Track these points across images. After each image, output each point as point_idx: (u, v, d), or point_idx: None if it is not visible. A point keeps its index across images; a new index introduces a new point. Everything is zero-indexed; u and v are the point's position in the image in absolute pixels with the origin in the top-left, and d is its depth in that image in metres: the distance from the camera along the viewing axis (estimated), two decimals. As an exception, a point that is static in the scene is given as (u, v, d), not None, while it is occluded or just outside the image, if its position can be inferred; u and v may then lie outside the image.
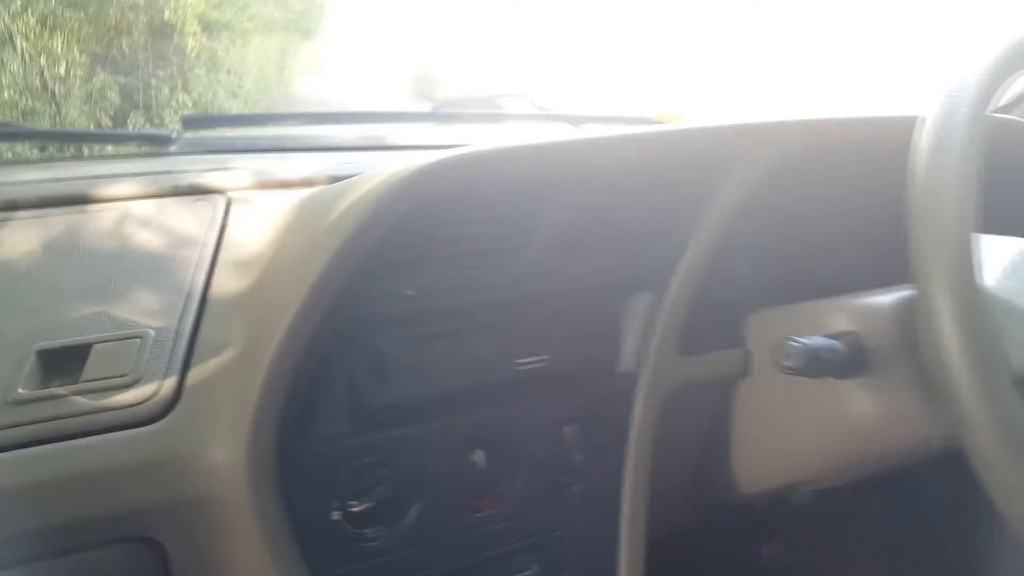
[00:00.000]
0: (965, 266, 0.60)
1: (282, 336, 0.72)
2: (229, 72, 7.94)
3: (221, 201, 0.89)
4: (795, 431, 0.91)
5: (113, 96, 5.90)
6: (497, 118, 1.26)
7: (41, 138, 1.10)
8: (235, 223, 0.87)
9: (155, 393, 0.72)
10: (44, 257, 0.81)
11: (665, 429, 0.94)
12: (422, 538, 0.86)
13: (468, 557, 0.90)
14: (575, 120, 1.28)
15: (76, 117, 5.22)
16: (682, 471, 1.02)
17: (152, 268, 0.82)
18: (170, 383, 0.73)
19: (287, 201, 0.91)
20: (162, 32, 6.48)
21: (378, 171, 0.79)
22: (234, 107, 7.93)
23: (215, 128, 1.09)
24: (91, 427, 0.70)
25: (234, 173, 0.95)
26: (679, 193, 0.89)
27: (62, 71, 5.29)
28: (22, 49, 4.81)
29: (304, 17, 11.35)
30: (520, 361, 0.90)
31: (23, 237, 0.83)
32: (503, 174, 0.78)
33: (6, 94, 4.59)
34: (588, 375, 0.93)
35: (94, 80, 5.71)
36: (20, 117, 4.48)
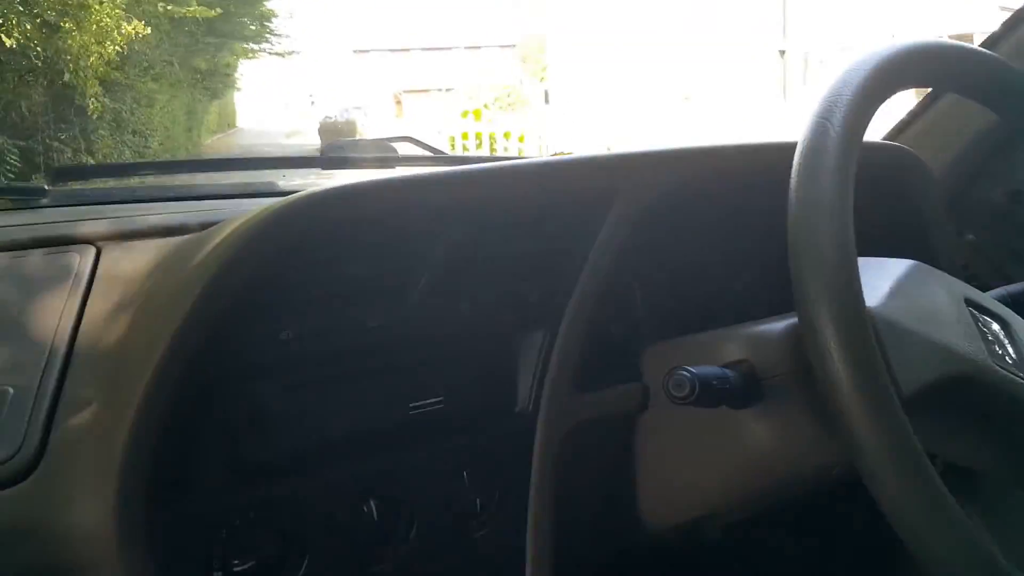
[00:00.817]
0: (846, 290, 0.59)
1: (145, 389, 0.68)
2: (135, 133, 7.79)
3: (90, 252, 0.84)
4: (696, 463, 0.89)
5: (13, 159, 5.72)
6: (387, 161, 1.24)
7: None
8: (105, 274, 0.81)
9: (14, 454, 0.68)
10: None
11: (567, 468, 0.92)
12: None
13: None
14: (467, 163, 1.27)
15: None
16: (589, 510, 0.99)
17: (13, 323, 0.76)
18: (30, 443, 0.69)
19: (160, 249, 0.86)
20: (63, 95, 6.32)
21: (236, 218, 0.76)
22: (141, 167, 7.75)
23: (88, 179, 1.03)
24: None
25: (104, 223, 0.89)
26: (564, 226, 0.88)
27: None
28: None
29: (211, 77, 11.25)
30: (413, 404, 0.87)
31: None
32: (377, 210, 0.75)
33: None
34: (485, 416, 0.90)
35: (-8, 144, 5.53)
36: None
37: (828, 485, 0.89)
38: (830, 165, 0.63)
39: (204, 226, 0.89)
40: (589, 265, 0.87)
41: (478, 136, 9.96)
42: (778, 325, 0.79)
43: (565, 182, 0.85)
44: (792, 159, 0.66)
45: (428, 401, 0.87)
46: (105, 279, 0.82)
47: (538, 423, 0.88)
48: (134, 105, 7.64)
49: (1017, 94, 0.77)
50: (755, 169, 0.92)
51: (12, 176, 5.52)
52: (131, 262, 0.84)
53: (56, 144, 6.42)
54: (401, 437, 0.86)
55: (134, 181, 1.10)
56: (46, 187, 1.03)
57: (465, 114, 10.21)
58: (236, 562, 0.77)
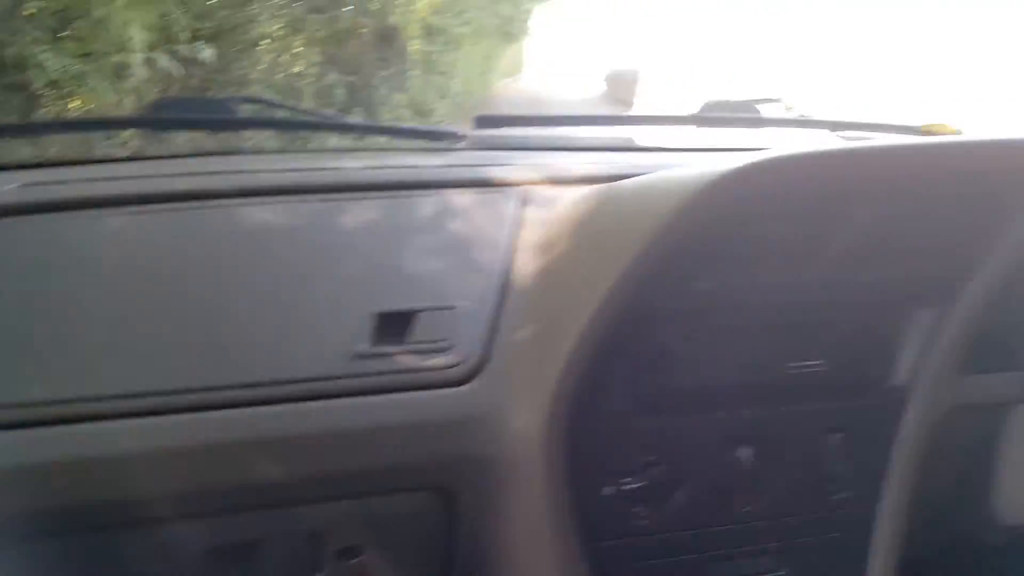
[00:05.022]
0: None
1: (588, 319, 0.77)
2: (441, 74, 8.34)
3: (515, 194, 0.96)
4: None
5: (340, 93, 6.37)
6: (756, 123, 1.27)
7: (336, 128, 1.24)
8: (529, 214, 0.93)
9: (465, 359, 0.80)
10: (371, 234, 0.91)
11: (931, 449, 0.93)
12: (681, 524, 0.90)
13: (722, 548, 0.93)
14: (835, 127, 1.26)
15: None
16: (943, 494, 0.99)
17: (459, 250, 0.90)
18: (477, 351, 0.81)
19: (572, 196, 0.96)
20: (387, 36, 6.94)
21: (676, 171, 0.82)
22: (441, 108, 8.31)
23: (499, 127, 1.17)
24: (414, 384, 0.79)
25: (525, 169, 1.01)
26: (971, 209, 0.86)
27: (299, 69, 5.81)
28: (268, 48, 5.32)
29: (510, 22, 11.74)
30: (792, 364, 0.92)
31: (354, 216, 0.92)
32: (811, 178, 0.78)
33: (253, 88, 5.10)
34: (858, 385, 0.93)
35: (325, 78, 6.19)
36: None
37: None
38: None
39: (610, 177, 0.98)
40: (998, 250, 0.85)
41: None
42: None
43: (992, 164, 0.84)
44: None
45: (809, 363, 0.91)
46: (530, 218, 0.94)
47: (914, 399, 0.90)
48: (443, 48, 8.19)
49: None
50: None
51: (336, 109, 6.18)
52: (550, 205, 0.95)
53: (375, 82, 7.08)
54: (777, 392, 0.91)
55: (538, 131, 1.24)
56: (460, 132, 1.17)
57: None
58: (626, 480, 0.87)
